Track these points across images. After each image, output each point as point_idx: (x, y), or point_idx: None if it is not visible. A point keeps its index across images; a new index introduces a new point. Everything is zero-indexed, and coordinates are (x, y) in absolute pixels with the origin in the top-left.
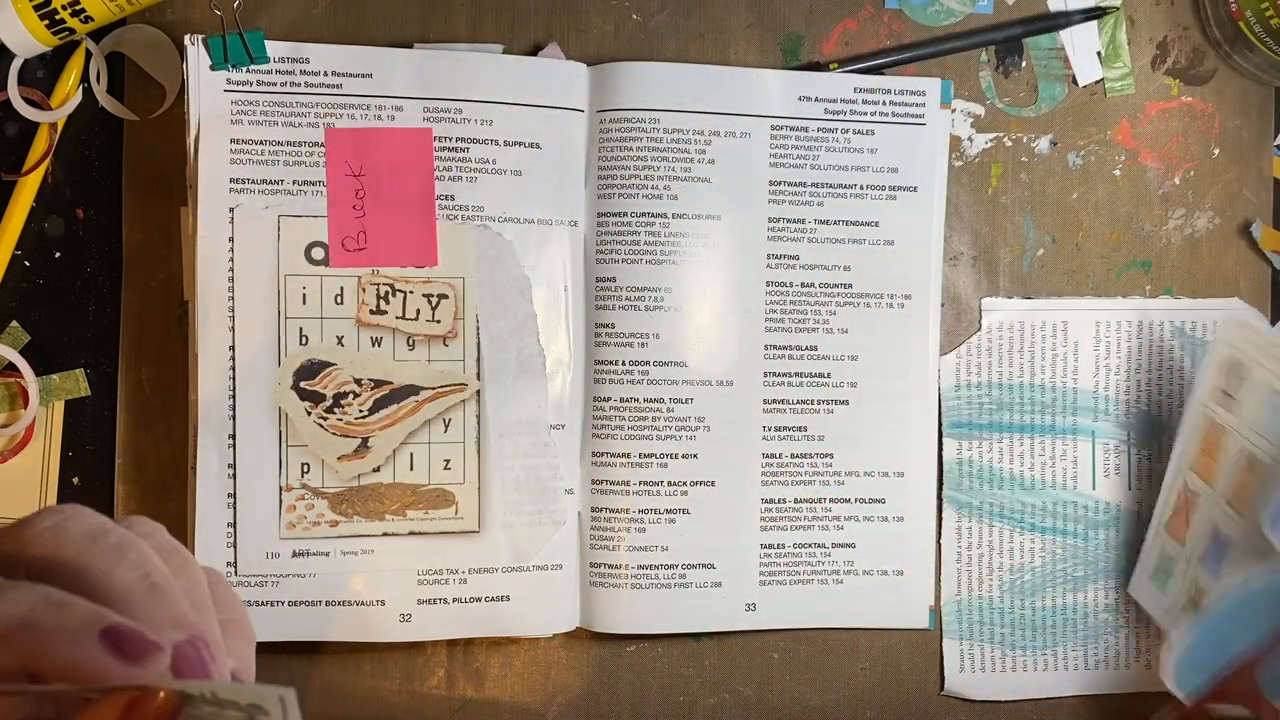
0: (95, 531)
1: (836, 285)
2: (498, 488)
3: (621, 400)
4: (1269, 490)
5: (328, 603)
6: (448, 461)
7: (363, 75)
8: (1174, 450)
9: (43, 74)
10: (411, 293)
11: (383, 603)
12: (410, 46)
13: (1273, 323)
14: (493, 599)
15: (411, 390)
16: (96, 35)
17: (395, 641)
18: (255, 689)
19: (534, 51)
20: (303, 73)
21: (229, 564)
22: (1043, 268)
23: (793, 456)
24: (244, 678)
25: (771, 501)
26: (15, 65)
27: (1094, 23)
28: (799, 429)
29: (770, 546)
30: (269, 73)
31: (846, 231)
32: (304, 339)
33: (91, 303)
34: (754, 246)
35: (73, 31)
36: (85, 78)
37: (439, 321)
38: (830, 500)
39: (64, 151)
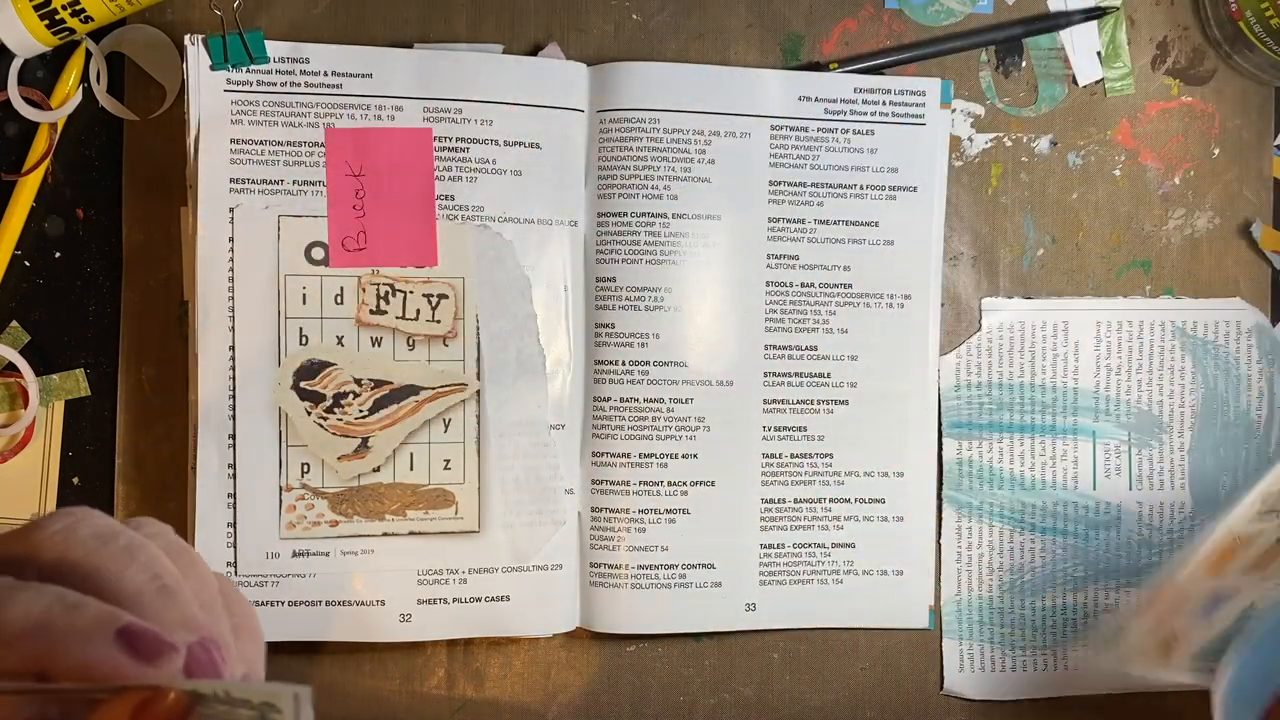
0: (105, 534)
1: (836, 285)
2: (498, 488)
3: (621, 400)
4: None
5: (328, 603)
6: (448, 461)
7: (363, 75)
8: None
9: (43, 74)
10: (411, 293)
11: (383, 603)
12: (410, 46)
13: (1273, 323)
14: (493, 599)
15: (411, 390)
16: (96, 35)
17: (395, 641)
18: (269, 687)
19: (534, 51)
20: (303, 73)
21: (229, 564)
22: (1043, 268)
23: (793, 456)
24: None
25: (771, 501)
26: (15, 65)
27: (1094, 23)
28: (799, 429)
29: (770, 546)
30: (269, 73)
31: (846, 231)
32: (304, 339)
33: (91, 303)
34: (754, 246)
35: (73, 31)
36: (85, 78)
37: (439, 321)
38: (830, 500)
39: (64, 151)
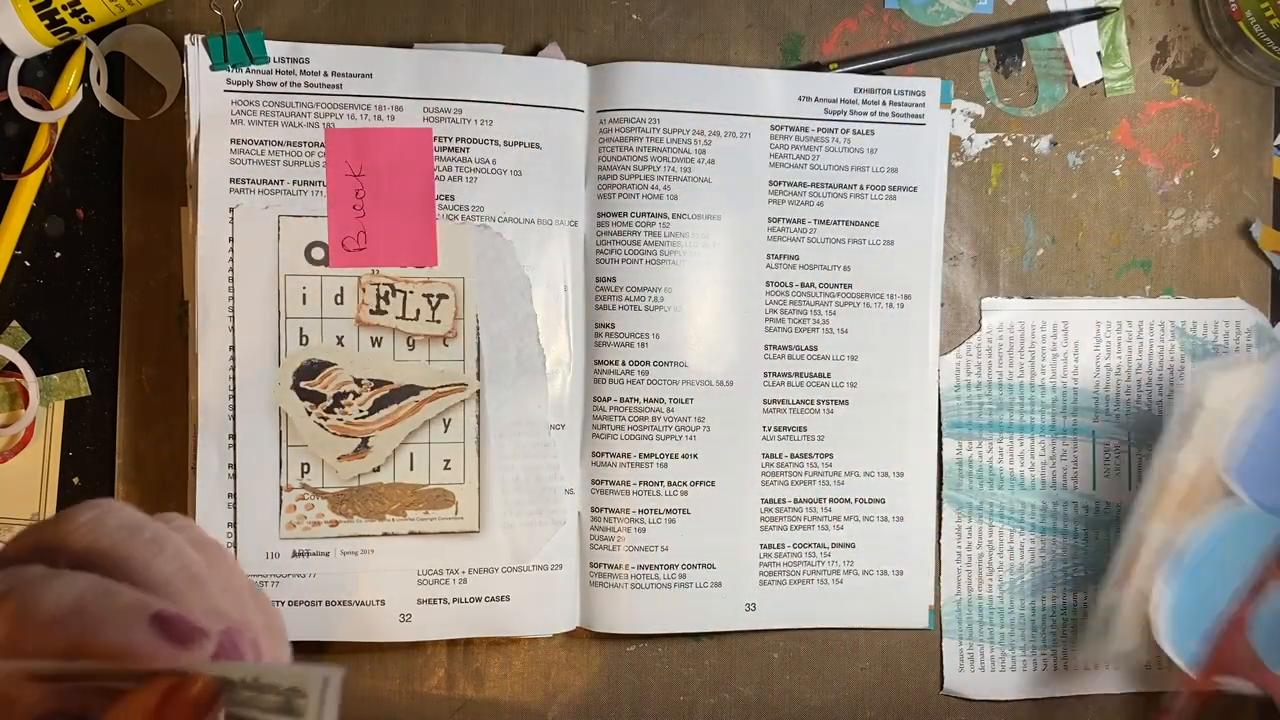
0: (132, 525)
1: (836, 285)
2: (498, 488)
3: (621, 400)
4: (1232, 441)
5: (328, 603)
6: (448, 461)
7: (363, 75)
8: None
9: (43, 74)
10: (411, 293)
11: (383, 603)
12: (410, 46)
13: (1273, 323)
14: (493, 599)
15: (411, 390)
16: (96, 35)
17: (395, 641)
18: (298, 670)
19: (534, 51)
20: (303, 73)
21: None
22: (1043, 268)
23: (793, 456)
24: None
25: (771, 501)
26: (15, 65)
27: (1094, 23)
28: (799, 429)
29: (770, 546)
30: (269, 73)
31: (846, 231)
32: (304, 339)
33: (91, 303)
34: (754, 246)
35: (73, 31)
36: (85, 78)
37: (439, 321)
38: (830, 500)
39: (64, 151)
